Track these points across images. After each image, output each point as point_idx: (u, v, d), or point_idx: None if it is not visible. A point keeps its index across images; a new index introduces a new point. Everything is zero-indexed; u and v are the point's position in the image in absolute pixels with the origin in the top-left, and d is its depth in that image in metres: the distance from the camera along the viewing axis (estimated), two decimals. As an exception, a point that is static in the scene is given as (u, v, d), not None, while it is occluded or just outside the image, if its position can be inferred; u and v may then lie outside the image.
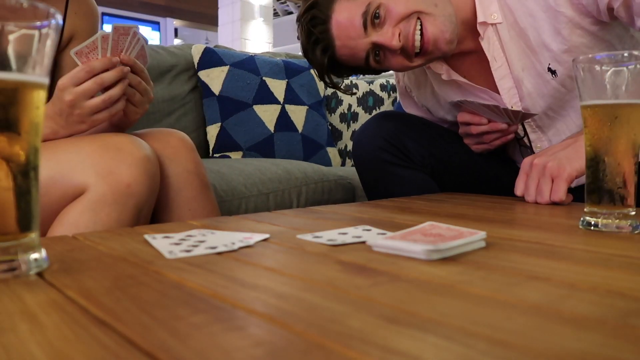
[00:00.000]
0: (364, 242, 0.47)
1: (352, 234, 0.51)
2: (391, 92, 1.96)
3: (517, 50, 0.90)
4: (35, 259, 0.36)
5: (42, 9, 0.35)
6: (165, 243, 0.46)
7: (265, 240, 0.49)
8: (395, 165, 0.98)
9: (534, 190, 0.78)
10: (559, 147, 0.80)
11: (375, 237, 0.48)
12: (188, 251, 0.43)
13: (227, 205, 1.16)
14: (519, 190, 0.81)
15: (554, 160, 0.77)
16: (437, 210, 0.72)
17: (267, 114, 1.72)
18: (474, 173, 1.04)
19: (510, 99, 0.94)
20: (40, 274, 0.36)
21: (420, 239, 0.44)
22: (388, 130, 0.99)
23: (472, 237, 0.45)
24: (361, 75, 1.75)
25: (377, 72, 0.96)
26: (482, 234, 0.46)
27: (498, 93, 0.94)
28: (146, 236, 0.49)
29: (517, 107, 0.93)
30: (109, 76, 0.72)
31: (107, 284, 0.34)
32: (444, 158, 1.02)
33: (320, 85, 1.89)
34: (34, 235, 0.37)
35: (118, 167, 0.69)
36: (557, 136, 0.96)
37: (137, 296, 0.31)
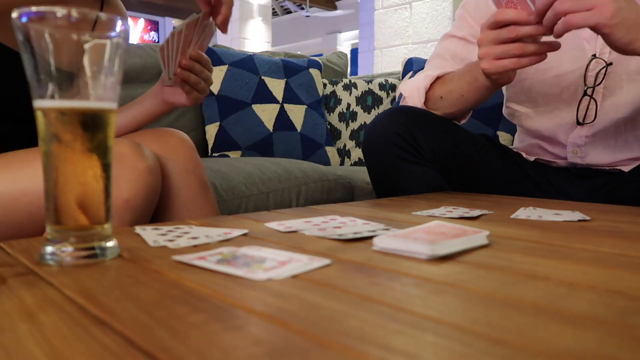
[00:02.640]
0: (364, 238, 0.47)
1: (351, 229, 0.51)
2: (390, 91, 1.96)
3: None
4: (111, 247, 0.41)
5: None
6: (153, 234, 0.49)
7: (264, 239, 0.49)
8: (406, 161, 0.96)
9: None
10: None
11: (378, 235, 0.48)
12: (171, 241, 0.46)
13: (227, 205, 1.16)
14: None
15: None
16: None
17: (266, 113, 1.71)
18: (482, 170, 1.04)
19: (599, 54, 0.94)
20: (39, 274, 0.36)
21: (421, 237, 0.44)
22: (401, 125, 0.96)
23: (474, 235, 0.45)
24: (360, 74, 1.73)
25: None
26: (485, 232, 0.46)
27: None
28: (137, 228, 0.51)
29: (602, 61, 0.94)
30: None
31: (106, 283, 0.34)
32: (455, 154, 1.00)
33: (319, 84, 1.89)
34: (108, 226, 0.41)
35: (118, 182, 0.66)
36: (613, 108, 0.97)
37: (136, 296, 0.31)
